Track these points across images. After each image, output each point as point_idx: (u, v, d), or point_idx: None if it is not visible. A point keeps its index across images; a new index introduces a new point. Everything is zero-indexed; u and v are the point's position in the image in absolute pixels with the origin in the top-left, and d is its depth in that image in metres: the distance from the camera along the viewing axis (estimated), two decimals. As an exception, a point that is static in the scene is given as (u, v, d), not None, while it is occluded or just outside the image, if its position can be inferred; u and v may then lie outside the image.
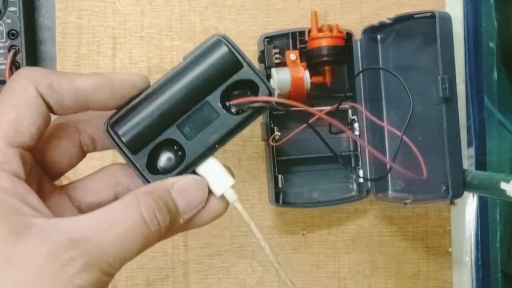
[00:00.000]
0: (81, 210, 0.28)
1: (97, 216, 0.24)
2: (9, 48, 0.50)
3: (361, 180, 0.51)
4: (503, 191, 0.41)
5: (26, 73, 0.25)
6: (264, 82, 0.28)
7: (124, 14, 0.53)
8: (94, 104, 0.26)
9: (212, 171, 0.28)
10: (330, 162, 0.52)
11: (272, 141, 0.50)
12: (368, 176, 0.51)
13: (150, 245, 0.25)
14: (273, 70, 0.49)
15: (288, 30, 0.50)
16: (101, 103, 0.26)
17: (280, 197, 0.51)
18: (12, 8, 0.50)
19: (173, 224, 0.26)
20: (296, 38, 0.51)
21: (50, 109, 0.26)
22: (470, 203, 0.54)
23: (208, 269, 0.53)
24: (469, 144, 0.53)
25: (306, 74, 0.49)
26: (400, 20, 0.48)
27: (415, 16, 0.47)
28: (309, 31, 0.50)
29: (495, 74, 0.54)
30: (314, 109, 0.31)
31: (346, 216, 0.54)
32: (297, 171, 0.52)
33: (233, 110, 0.28)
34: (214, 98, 0.28)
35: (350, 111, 0.52)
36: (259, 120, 0.51)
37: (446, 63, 0.45)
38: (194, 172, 0.28)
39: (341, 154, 0.52)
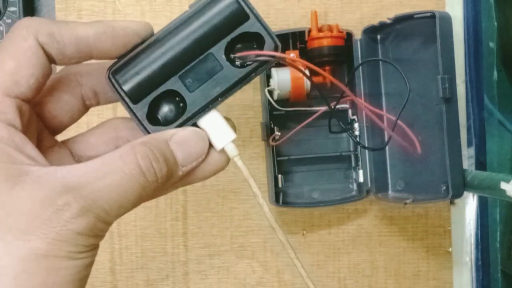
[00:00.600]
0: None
1: (93, 164, 0.24)
2: (9, 48, 0.50)
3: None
4: (503, 191, 0.41)
5: (26, 23, 0.25)
6: (270, 35, 0.27)
7: (124, 14, 0.53)
8: (97, 53, 0.26)
9: (214, 124, 0.28)
10: (330, 162, 0.52)
11: (272, 141, 0.50)
12: (368, 177, 0.51)
13: (147, 195, 0.25)
14: (273, 70, 0.49)
15: (288, 30, 0.50)
16: (104, 51, 0.26)
17: (280, 197, 0.51)
18: (12, 8, 0.50)
19: (171, 175, 0.26)
20: (296, 38, 0.51)
21: (51, 59, 0.25)
22: (470, 203, 0.54)
23: (208, 269, 0.53)
24: (469, 144, 0.53)
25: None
26: (400, 20, 0.48)
27: (415, 16, 0.47)
28: (309, 31, 0.50)
29: (495, 74, 0.54)
30: (324, 73, 0.30)
31: (346, 216, 0.54)
32: (297, 171, 0.53)
33: (238, 63, 0.28)
34: (218, 50, 0.27)
35: (350, 111, 0.52)
36: (259, 120, 0.51)
37: (446, 63, 0.45)
38: (195, 125, 0.28)
39: (341, 154, 0.52)
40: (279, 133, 0.51)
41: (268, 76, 0.50)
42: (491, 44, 0.54)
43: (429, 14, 0.46)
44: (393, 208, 0.54)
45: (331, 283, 0.54)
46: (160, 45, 0.27)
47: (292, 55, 0.49)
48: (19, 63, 0.24)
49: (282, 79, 0.48)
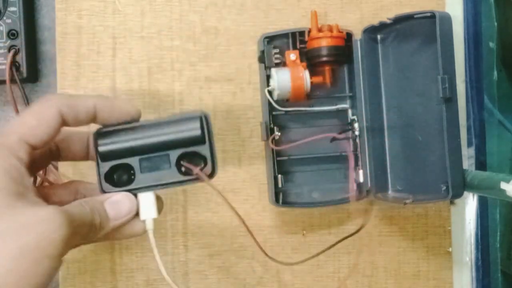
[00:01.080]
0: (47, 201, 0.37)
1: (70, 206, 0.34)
2: (9, 48, 0.50)
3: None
4: (503, 191, 0.41)
5: (53, 96, 0.36)
6: (213, 163, 0.37)
7: (124, 14, 0.53)
8: (98, 119, 0.36)
9: (147, 201, 0.36)
10: (330, 162, 0.53)
11: (272, 141, 0.50)
12: (368, 177, 0.51)
13: (90, 227, 0.34)
14: (273, 70, 0.49)
15: (288, 30, 0.50)
16: (102, 119, 0.36)
17: (280, 197, 0.51)
18: (12, 8, 0.50)
19: (103, 225, 0.35)
20: (296, 38, 0.51)
21: (66, 123, 0.35)
22: (470, 203, 0.54)
23: (208, 269, 0.53)
24: (469, 144, 0.53)
25: (306, 74, 0.49)
26: (400, 20, 0.48)
27: (415, 16, 0.47)
28: (309, 31, 0.50)
29: (495, 74, 0.54)
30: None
31: (346, 216, 0.54)
32: (297, 171, 0.53)
33: (182, 169, 0.36)
34: (173, 154, 0.36)
35: (350, 111, 0.52)
36: (259, 120, 0.51)
37: (446, 63, 0.45)
38: (135, 195, 0.36)
39: (341, 154, 0.52)
40: (279, 133, 0.51)
41: (268, 77, 0.50)
42: (491, 44, 0.54)
43: (429, 14, 0.46)
44: (393, 208, 0.54)
45: (331, 283, 0.54)
46: (137, 133, 0.36)
47: (292, 55, 0.49)
48: (40, 123, 0.34)
49: (282, 79, 0.48)
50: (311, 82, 0.49)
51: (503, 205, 0.55)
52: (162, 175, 0.36)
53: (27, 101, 0.50)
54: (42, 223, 0.30)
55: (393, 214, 0.54)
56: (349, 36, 0.50)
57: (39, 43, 0.53)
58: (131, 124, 0.36)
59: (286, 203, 0.51)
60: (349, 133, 0.52)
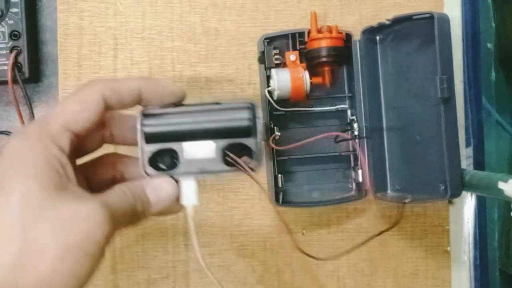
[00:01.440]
0: (89, 182, 0.36)
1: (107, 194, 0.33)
2: (11, 49, 0.50)
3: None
4: (501, 190, 0.41)
5: (96, 81, 0.34)
6: (259, 158, 0.35)
7: (125, 15, 0.53)
8: (142, 101, 0.35)
9: (188, 187, 0.36)
10: (330, 162, 0.53)
11: (272, 141, 0.50)
12: (368, 177, 0.51)
13: (133, 214, 0.34)
14: (273, 71, 0.49)
15: (288, 31, 0.51)
16: (147, 100, 0.35)
17: (280, 197, 0.51)
18: (14, 10, 0.50)
19: (146, 209, 0.34)
20: (296, 39, 0.51)
21: (110, 107, 0.33)
22: (468, 203, 0.54)
23: (208, 268, 0.53)
24: (467, 144, 0.54)
25: (306, 74, 0.49)
26: (399, 21, 0.49)
27: (414, 17, 0.47)
28: (309, 32, 0.50)
29: (493, 74, 0.55)
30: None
31: (346, 215, 0.54)
32: (297, 171, 0.53)
33: (227, 158, 0.35)
34: (219, 144, 0.35)
35: (349, 112, 0.52)
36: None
37: (444, 64, 0.45)
38: (176, 181, 0.36)
39: (340, 154, 0.53)
40: (279, 133, 0.51)
41: (268, 77, 0.50)
42: (489, 45, 0.55)
43: (427, 15, 0.46)
44: (392, 207, 0.54)
45: (330, 282, 0.54)
46: (184, 117, 0.35)
47: (292, 56, 0.50)
48: (83, 108, 0.32)
49: (282, 79, 0.48)
50: (311, 83, 0.49)
51: (501, 205, 0.56)
52: (206, 163, 0.35)
53: (29, 102, 0.50)
54: (84, 221, 0.29)
55: (392, 214, 0.54)
56: (348, 37, 0.51)
57: (41, 44, 0.53)
58: (178, 108, 0.35)
59: (286, 202, 0.52)
60: (350, 133, 0.52)
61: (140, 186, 0.34)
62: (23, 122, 0.50)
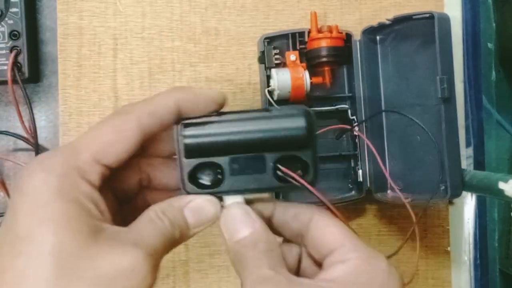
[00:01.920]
0: (114, 189, 0.32)
1: (137, 225, 0.29)
2: (11, 49, 0.50)
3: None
4: (501, 190, 0.41)
5: (133, 107, 0.30)
6: (316, 171, 0.31)
7: (125, 15, 0.53)
8: (183, 113, 0.30)
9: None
10: (330, 162, 0.53)
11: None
12: (368, 177, 0.51)
13: (171, 245, 0.30)
14: (273, 71, 0.49)
15: (288, 31, 0.51)
16: (187, 112, 0.30)
17: (280, 197, 0.51)
18: (13, 9, 0.50)
19: (184, 234, 0.30)
20: (296, 39, 0.51)
21: (149, 134, 0.29)
22: (468, 203, 0.54)
23: (208, 268, 0.54)
24: (468, 144, 0.54)
25: (306, 74, 0.49)
26: (399, 21, 0.48)
27: (414, 17, 0.47)
28: (309, 32, 0.50)
29: (494, 74, 0.55)
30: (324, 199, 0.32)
31: (346, 215, 0.54)
32: (297, 171, 0.53)
33: (278, 173, 0.31)
34: (270, 157, 0.31)
35: (349, 111, 0.52)
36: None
37: (444, 64, 0.45)
38: (221, 199, 0.32)
39: (340, 154, 0.52)
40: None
41: (268, 77, 0.50)
42: (490, 45, 0.55)
43: (427, 15, 0.46)
44: (392, 207, 0.54)
45: (330, 282, 0.54)
46: (230, 127, 0.31)
47: (292, 56, 0.50)
48: (118, 139, 0.28)
49: (282, 79, 0.48)
50: (311, 83, 0.49)
51: (501, 205, 0.55)
52: (256, 179, 0.31)
53: (28, 102, 0.50)
54: (127, 278, 0.25)
55: (392, 214, 0.54)
56: (348, 37, 0.51)
57: (41, 44, 0.53)
58: (222, 116, 0.31)
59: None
60: (349, 133, 0.52)
61: (178, 208, 0.30)
62: (22, 122, 0.50)
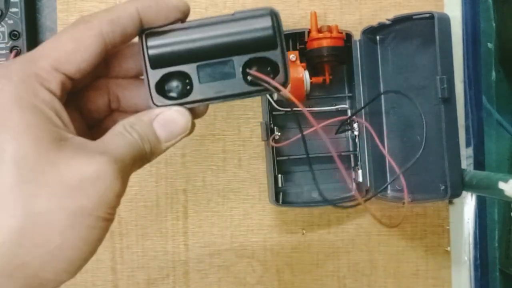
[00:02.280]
0: (81, 112, 0.31)
1: (106, 138, 0.28)
2: (11, 49, 0.50)
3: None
4: (501, 190, 0.41)
5: (93, 16, 0.28)
6: (286, 71, 0.30)
7: (125, 15, 0.53)
8: (144, 25, 0.29)
9: None
10: (330, 162, 0.53)
11: (272, 141, 0.50)
12: (368, 177, 0.51)
13: (141, 158, 0.29)
14: (273, 71, 0.49)
15: (288, 31, 0.51)
16: (149, 22, 0.29)
17: (280, 197, 0.51)
18: (13, 9, 0.50)
19: (155, 149, 0.29)
20: (296, 39, 0.51)
21: (111, 45, 0.28)
22: (468, 203, 0.54)
23: (208, 268, 0.54)
24: (468, 144, 0.54)
25: (306, 74, 0.49)
26: (399, 21, 0.48)
27: (414, 17, 0.47)
28: (309, 32, 0.50)
29: (494, 74, 0.55)
30: (308, 111, 0.31)
31: (346, 215, 0.54)
32: (297, 171, 0.53)
33: (248, 78, 0.30)
34: (239, 61, 0.30)
35: (349, 111, 0.52)
36: (259, 120, 0.52)
37: (444, 64, 0.45)
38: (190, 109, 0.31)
39: (340, 154, 0.52)
40: (279, 133, 0.51)
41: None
42: (490, 45, 0.55)
43: (427, 15, 0.46)
44: (392, 207, 0.54)
45: (330, 282, 0.54)
46: (195, 33, 0.29)
47: (292, 56, 0.50)
48: (79, 46, 0.27)
49: (282, 79, 0.48)
50: (311, 83, 0.49)
51: (501, 205, 0.55)
52: (226, 85, 0.30)
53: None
54: (93, 184, 0.25)
55: (392, 214, 0.54)
56: (348, 36, 0.51)
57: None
58: (186, 23, 0.30)
59: (286, 202, 0.52)
60: (350, 133, 0.52)
61: (147, 122, 0.29)
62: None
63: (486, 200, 0.54)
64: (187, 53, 0.29)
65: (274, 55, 0.30)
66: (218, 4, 0.53)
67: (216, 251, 0.54)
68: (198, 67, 0.30)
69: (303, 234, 0.54)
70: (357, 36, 0.51)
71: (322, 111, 0.52)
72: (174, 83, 0.30)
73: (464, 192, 0.48)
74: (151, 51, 0.29)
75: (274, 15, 0.30)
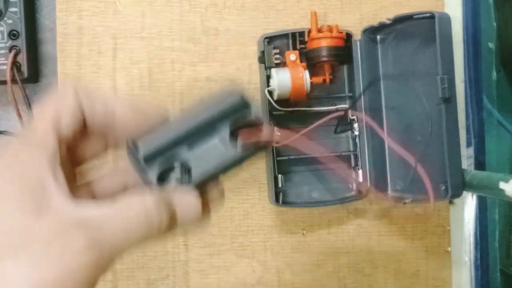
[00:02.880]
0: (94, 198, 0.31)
1: (107, 206, 0.26)
2: (10, 49, 0.50)
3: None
4: (502, 190, 0.41)
5: (72, 84, 0.28)
6: (268, 123, 0.31)
7: (124, 14, 0.53)
8: (119, 125, 0.29)
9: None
10: (330, 162, 0.53)
11: (272, 141, 0.50)
12: (368, 177, 0.51)
13: (149, 241, 0.27)
14: (273, 71, 0.49)
15: (288, 31, 0.51)
16: (125, 125, 0.29)
17: (280, 197, 0.51)
18: (13, 9, 0.50)
19: (171, 229, 0.28)
20: (296, 39, 0.51)
21: (84, 115, 0.28)
22: (469, 203, 0.54)
23: (208, 269, 0.53)
24: (468, 144, 0.54)
25: (306, 74, 0.49)
26: (400, 20, 0.48)
27: (415, 16, 0.47)
28: (309, 32, 0.50)
29: (494, 74, 0.55)
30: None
31: (346, 215, 0.54)
32: (297, 171, 0.53)
33: (238, 146, 0.31)
34: (223, 132, 0.31)
35: (349, 111, 0.52)
36: (259, 120, 0.52)
37: (445, 64, 0.45)
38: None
39: (340, 154, 0.52)
40: (279, 133, 0.51)
41: (268, 77, 0.50)
42: (490, 45, 0.55)
43: (428, 15, 0.46)
44: (392, 207, 0.54)
45: (330, 283, 0.54)
46: (175, 124, 0.31)
47: (292, 55, 0.50)
48: (65, 113, 0.28)
49: (282, 79, 0.48)
50: (311, 82, 0.49)
51: (502, 205, 0.55)
52: (219, 157, 0.31)
53: (28, 101, 0.50)
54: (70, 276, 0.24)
55: (392, 214, 0.54)
56: (348, 36, 0.50)
57: (40, 44, 0.53)
58: (165, 123, 0.31)
59: (286, 202, 0.52)
60: (350, 133, 0.52)
61: (168, 200, 0.29)
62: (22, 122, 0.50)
63: (487, 200, 0.54)
64: (174, 141, 0.30)
65: (249, 112, 0.31)
66: (218, 4, 0.53)
67: (216, 251, 0.53)
68: (188, 148, 0.31)
69: (303, 234, 0.54)
70: (357, 35, 0.51)
71: (322, 111, 0.52)
72: (173, 171, 0.30)
73: (464, 192, 0.48)
74: (142, 151, 0.30)
75: (235, 85, 0.31)
